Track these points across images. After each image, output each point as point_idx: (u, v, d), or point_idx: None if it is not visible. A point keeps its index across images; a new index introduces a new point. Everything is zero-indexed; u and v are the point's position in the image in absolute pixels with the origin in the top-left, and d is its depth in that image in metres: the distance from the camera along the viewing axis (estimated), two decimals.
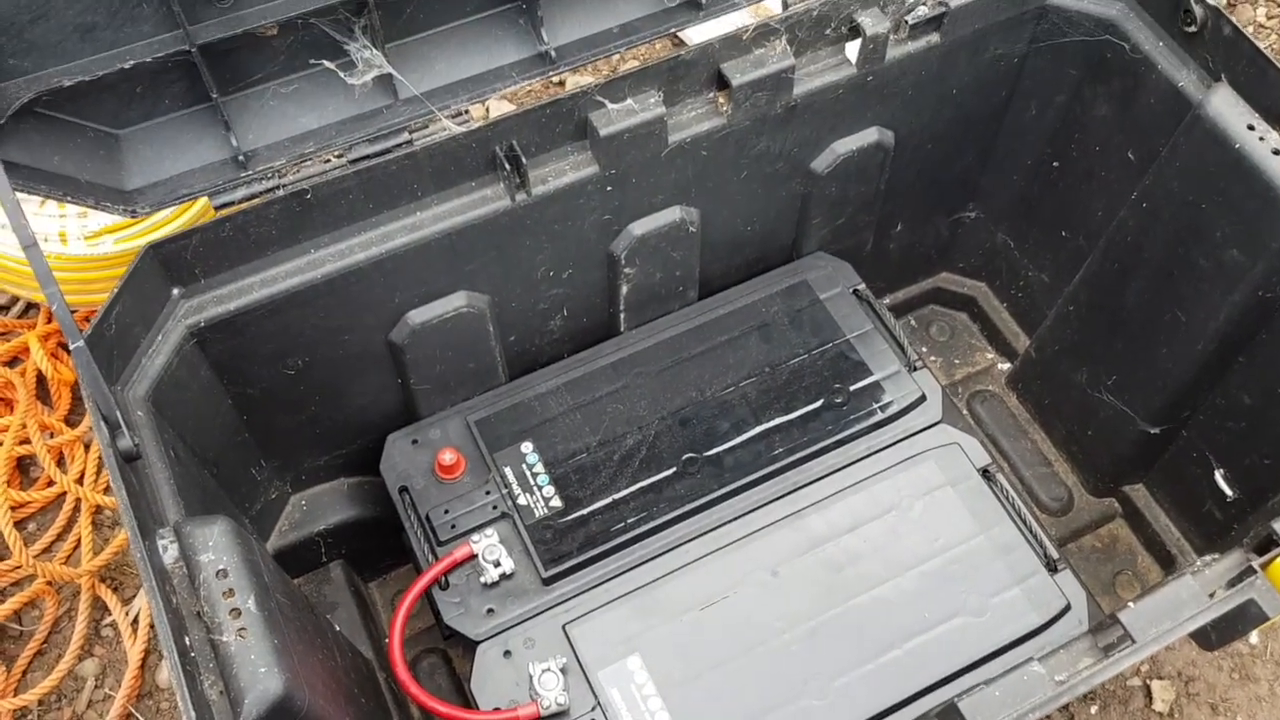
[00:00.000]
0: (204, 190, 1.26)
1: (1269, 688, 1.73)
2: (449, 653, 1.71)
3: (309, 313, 1.38)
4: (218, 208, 1.27)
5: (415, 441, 1.60)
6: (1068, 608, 1.46)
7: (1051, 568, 1.48)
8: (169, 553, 1.10)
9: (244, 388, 1.42)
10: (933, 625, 1.43)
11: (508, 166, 1.36)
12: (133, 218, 1.24)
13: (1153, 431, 1.67)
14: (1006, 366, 1.98)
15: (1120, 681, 1.73)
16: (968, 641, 1.42)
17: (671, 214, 1.54)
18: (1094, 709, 1.71)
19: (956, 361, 2.01)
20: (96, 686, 1.76)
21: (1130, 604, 1.05)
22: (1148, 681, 1.73)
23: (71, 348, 1.10)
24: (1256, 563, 1.04)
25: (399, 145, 1.32)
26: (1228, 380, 1.54)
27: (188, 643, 1.05)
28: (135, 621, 1.79)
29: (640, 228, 1.53)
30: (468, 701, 1.64)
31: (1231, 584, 1.06)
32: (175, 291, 1.30)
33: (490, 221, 1.40)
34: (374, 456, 1.61)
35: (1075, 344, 1.76)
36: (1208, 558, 1.25)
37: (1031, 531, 1.51)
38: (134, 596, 1.83)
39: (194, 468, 1.33)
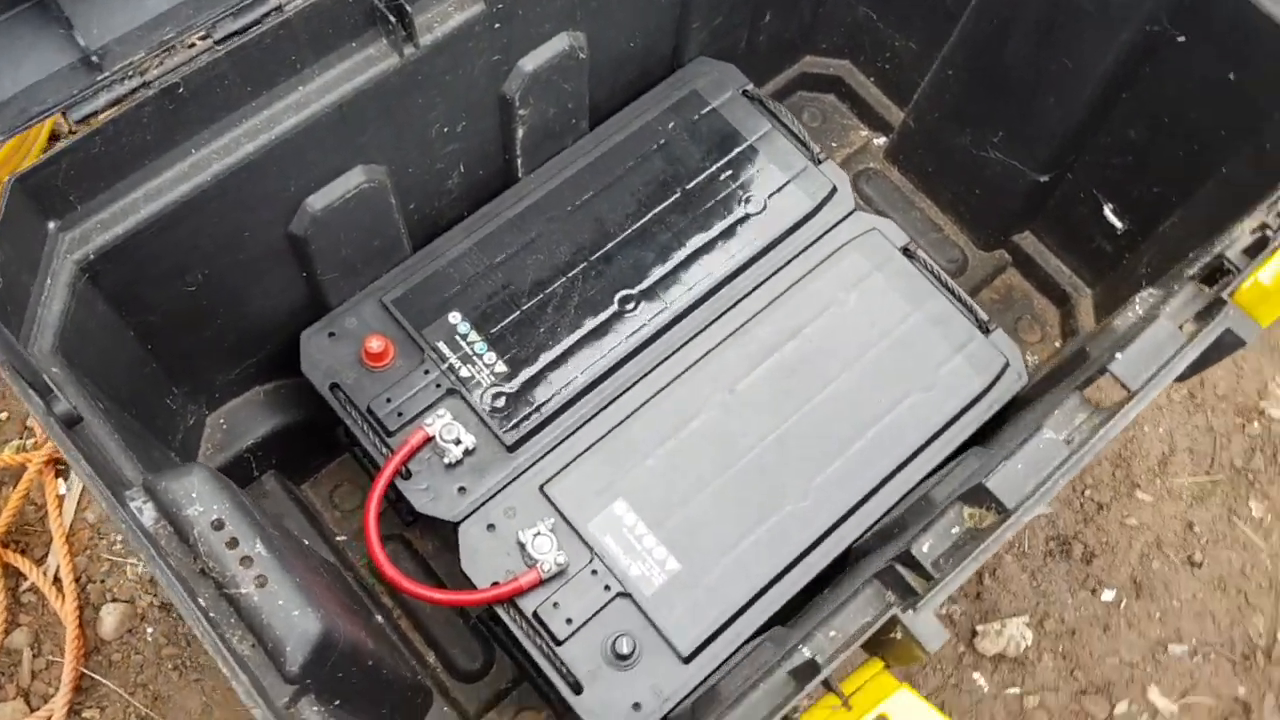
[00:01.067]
0: (60, 104, 1.09)
1: (1165, 396, 1.88)
2: (406, 536, 1.66)
3: (202, 220, 1.24)
4: (78, 121, 1.10)
5: (332, 334, 1.49)
6: (1007, 364, 1.53)
7: (984, 329, 1.55)
8: (145, 514, 1.01)
9: (144, 315, 1.28)
10: (890, 408, 1.48)
11: (391, 19, 1.23)
12: None
13: (1041, 180, 1.73)
14: (883, 141, 2.00)
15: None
16: (925, 416, 1.48)
17: (560, 42, 1.44)
18: None
19: (834, 145, 2.01)
20: (35, 655, 1.64)
21: (1119, 356, 1.10)
22: None
23: None
24: (1225, 293, 1.09)
25: (268, 14, 1.16)
26: (1113, 119, 1.59)
27: (203, 603, 0.97)
28: (57, 579, 1.66)
29: (530, 62, 1.43)
30: (440, 583, 1.62)
31: (1201, 317, 1.12)
32: (52, 225, 1.13)
33: (379, 84, 1.27)
34: (286, 359, 1.50)
35: (956, 108, 1.78)
36: (1146, 293, 1.32)
37: (960, 299, 1.56)
38: (45, 555, 1.69)
39: (118, 414, 1.20)
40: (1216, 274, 1.18)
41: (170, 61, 1.14)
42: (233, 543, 1.00)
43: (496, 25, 1.33)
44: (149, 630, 1.65)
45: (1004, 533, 1.00)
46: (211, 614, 0.98)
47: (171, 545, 1.00)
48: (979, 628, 1.70)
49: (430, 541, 1.66)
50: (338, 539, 1.66)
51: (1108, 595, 1.73)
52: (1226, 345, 1.10)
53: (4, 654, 1.63)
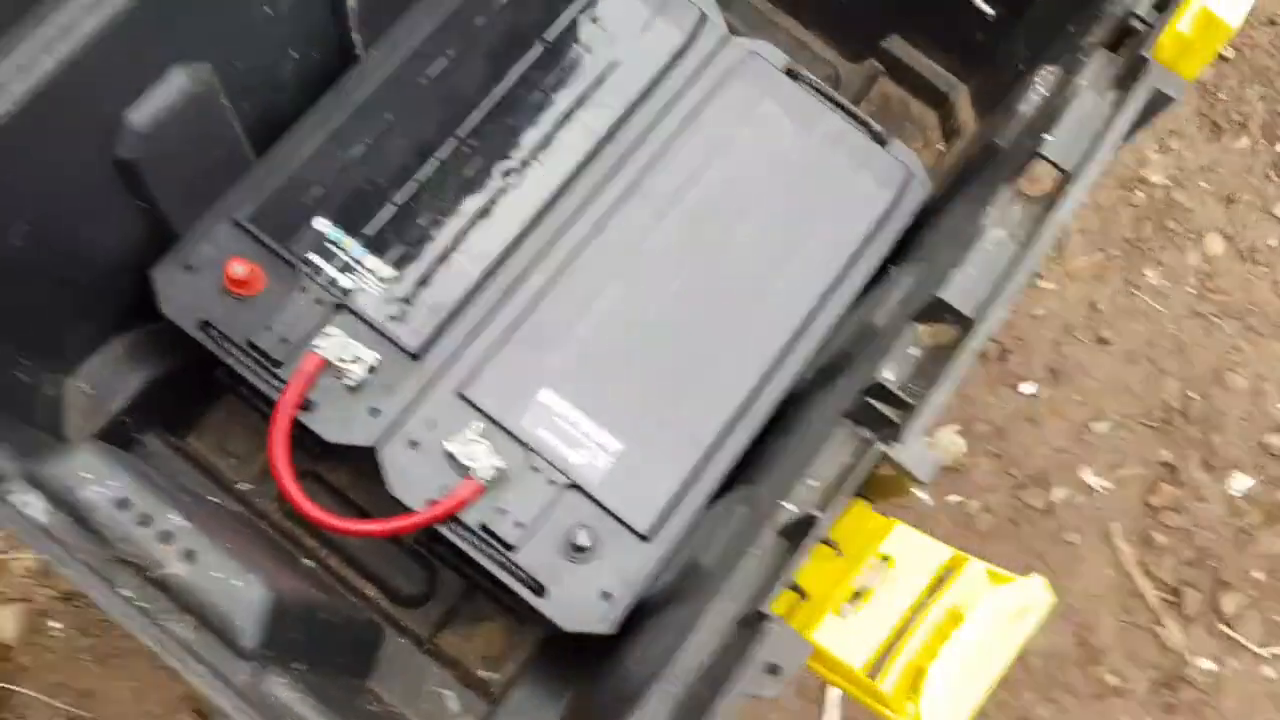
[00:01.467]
0: None
1: None
2: (316, 470, 1.53)
3: (12, 159, 1.05)
4: None
5: (189, 266, 1.32)
6: (910, 174, 1.48)
7: (880, 141, 1.49)
8: (34, 507, 0.87)
9: None
10: (804, 239, 1.42)
11: None
12: None
13: None
14: None
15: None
16: (839, 240, 1.42)
17: None
18: None
19: None
20: None
21: (1047, 137, 1.05)
22: None
23: None
24: (1144, 50, 1.04)
25: None
26: None
27: (127, 595, 0.85)
28: None
29: None
30: (363, 514, 1.51)
31: (1122, 82, 1.07)
32: None
33: None
34: (141, 302, 1.33)
35: None
36: (1045, 71, 1.27)
37: (851, 114, 1.49)
38: None
39: None
40: (1124, 37, 1.13)
41: None
42: (145, 520, 0.87)
43: None
44: (55, 625, 1.50)
45: (971, 341, 0.95)
46: (140, 604, 0.85)
47: (75, 537, 0.87)
48: None
49: (344, 474, 1.54)
50: (239, 487, 1.52)
51: (1028, 388, 1.75)
52: (1155, 105, 1.06)
53: None
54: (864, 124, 1.49)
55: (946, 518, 1.67)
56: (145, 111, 1.17)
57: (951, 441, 1.67)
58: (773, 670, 0.82)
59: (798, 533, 0.91)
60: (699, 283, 1.38)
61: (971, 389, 1.74)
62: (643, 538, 1.28)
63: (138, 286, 1.32)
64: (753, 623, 0.86)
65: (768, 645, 0.83)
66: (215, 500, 1.37)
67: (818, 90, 1.49)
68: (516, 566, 1.26)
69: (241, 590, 0.86)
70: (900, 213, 1.46)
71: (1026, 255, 0.99)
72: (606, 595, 1.25)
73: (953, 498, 1.68)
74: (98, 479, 0.87)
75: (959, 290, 1.00)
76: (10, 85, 1.01)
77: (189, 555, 0.86)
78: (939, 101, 1.84)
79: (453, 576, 1.52)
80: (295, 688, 0.90)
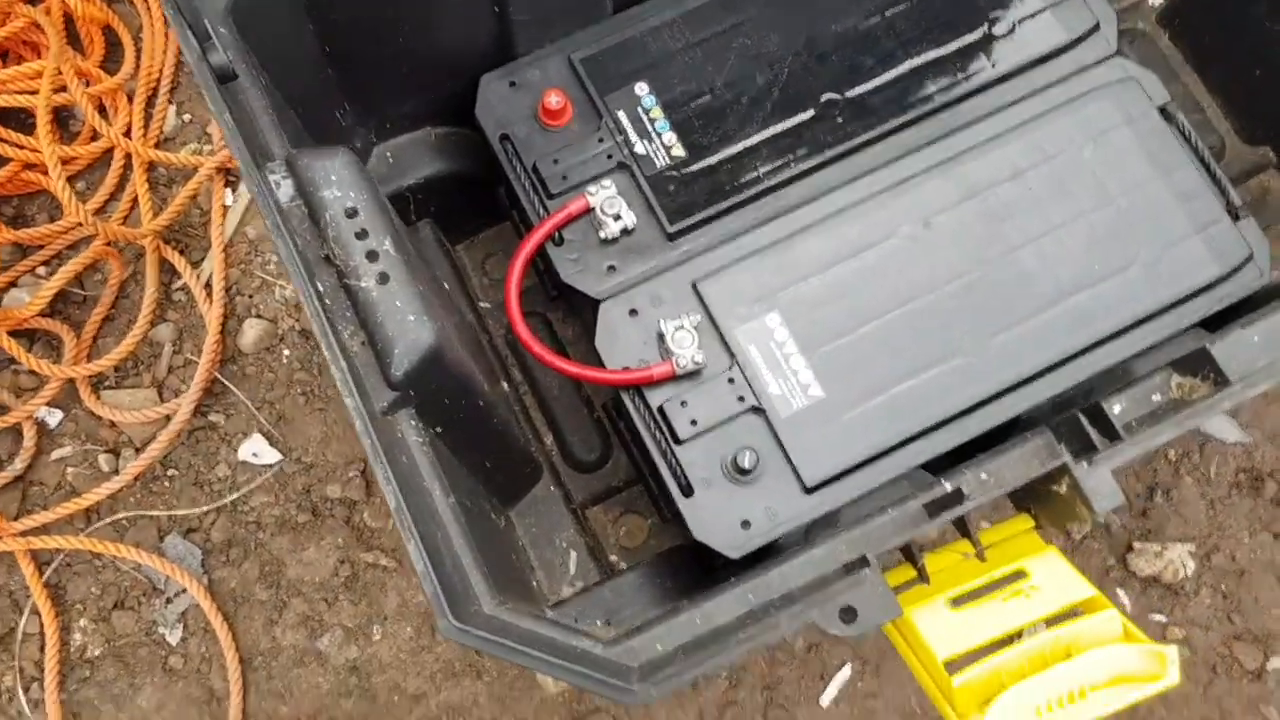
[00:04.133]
0: None
1: None
2: (548, 316, 1.59)
3: None
4: None
5: (513, 83, 1.40)
6: (1250, 257, 1.32)
7: (1234, 214, 1.34)
8: (283, 189, 0.95)
9: (328, 11, 1.21)
10: (1103, 278, 1.30)
11: None
12: None
13: None
14: (1158, 1, 1.74)
15: None
16: (1140, 294, 1.30)
17: None
18: None
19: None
20: (175, 351, 1.67)
21: None
22: None
23: None
24: None
25: None
26: None
27: (320, 288, 0.92)
28: (208, 285, 1.67)
29: None
30: None
31: None
32: None
33: None
34: (463, 104, 1.42)
35: None
36: None
37: (1214, 175, 1.35)
38: (202, 259, 1.70)
39: (283, 107, 1.15)
40: None
41: None
42: (363, 234, 0.93)
43: None
44: (285, 352, 1.66)
45: (1219, 402, 0.84)
46: (328, 301, 0.92)
47: (302, 226, 0.95)
48: (1137, 544, 1.53)
49: (571, 327, 1.59)
50: (481, 305, 1.61)
51: None
52: None
53: (147, 344, 1.66)
54: (1224, 192, 1.35)
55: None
56: None
57: (1181, 558, 1.50)
58: (848, 612, 0.78)
59: (939, 506, 0.85)
60: (974, 278, 1.31)
61: (1229, 518, 1.55)
62: (806, 489, 1.24)
63: (466, 88, 1.41)
64: (853, 567, 0.82)
65: (854, 589, 0.79)
66: (449, 292, 1.45)
67: (1187, 139, 1.36)
68: (676, 460, 1.25)
69: (412, 325, 0.91)
70: (1223, 292, 1.31)
71: None
72: (746, 524, 1.22)
73: (1158, 617, 1.51)
74: (340, 184, 0.94)
75: (1230, 347, 0.89)
76: None
77: (383, 278, 0.92)
78: None
79: (625, 464, 1.54)
80: (423, 438, 0.94)
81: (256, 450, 1.62)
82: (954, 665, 0.79)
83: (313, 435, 1.61)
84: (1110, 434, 0.87)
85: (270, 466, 1.62)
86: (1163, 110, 1.38)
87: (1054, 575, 0.82)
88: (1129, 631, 0.77)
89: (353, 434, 1.60)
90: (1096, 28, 1.40)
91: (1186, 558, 1.50)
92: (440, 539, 0.89)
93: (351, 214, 0.94)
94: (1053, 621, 0.79)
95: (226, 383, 1.63)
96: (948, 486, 0.88)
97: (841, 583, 0.79)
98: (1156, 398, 0.92)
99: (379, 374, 0.91)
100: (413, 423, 0.94)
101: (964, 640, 0.80)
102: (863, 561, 0.81)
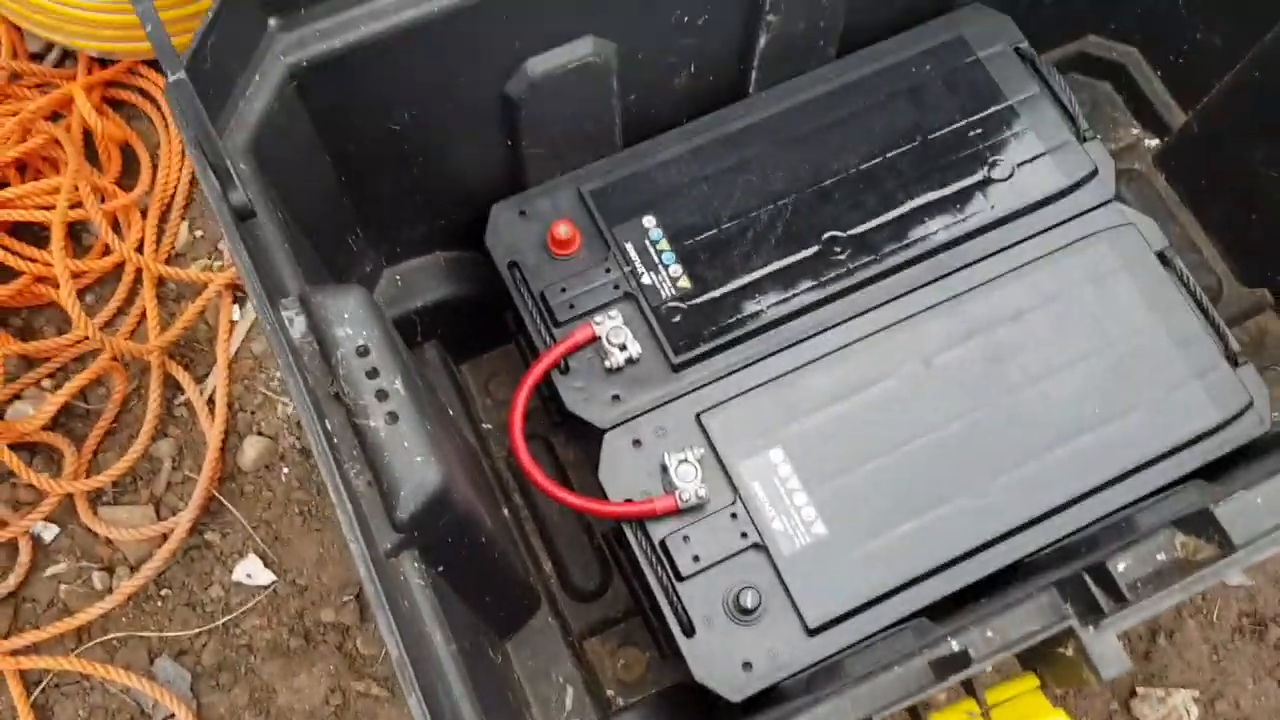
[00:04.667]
0: None
1: None
2: (550, 440, 1.60)
3: (420, 55, 1.18)
4: None
5: (523, 213, 1.43)
6: (1250, 404, 1.33)
7: (1233, 361, 1.35)
8: (296, 325, 0.96)
9: (344, 144, 1.25)
10: (1103, 421, 1.31)
11: None
12: None
13: None
14: (1155, 143, 1.79)
15: None
16: (1140, 439, 1.31)
17: None
18: None
19: (1106, 146, 1.81)
20: (174, 468, 1.66)
21: None
22: None
23: (170, 80, 0.92)
24: None
25: None
26: None
27: (329, 427, 0.92)
28: (211, 401, 1.67)
29: None
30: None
31: None
32: (273, 23, 1.10)
33: None
34: (474, 229, 1.44)
35: (1254, 116, 1.56)
36: None
37: (1213, 321, 1.37)
38: (206, 375, 1.71)
39: (298, 234, 1.17)
40: None
41: None
42: (373, 373, 0.94)
43: None
44: (285, 471, 1.65)
45: (1223, 568, 0.84)
46: (335, 440, 0.92)
47: (313, 364, 0.96)
48: (1140, 690, 1.51)
49: (573, 450, 1.59)
50: (483, 426, 1.62)
51: None
52: None
53: (147, 460, 1.66)
54: (1222, 338, 1.36)
55: None
56: (545, 63, 1.28)
57: (1185, 704, 1.47)
58: None
59: (946, 667, 0.84)
60: (975, 417, 1.31)
61: (1234, 665, 1.53)
62: (809, 630, 1.22)
63: (476, 216, 1.44)
64: None
65: None
66: (452, 417, 1.45)
67: (1185, 285, 1.38)
68: (678, 597, 1.24)
69: (419, 466, 0.91)
70: (1224, 438, 1.31)
71: None
72: (748, 666, 1.21)
73: None
74: (352, 322, 0.95)
75: (1235, 511, 0.89)
76: None
77: (392, 417, 0.92)
78: None
79: (625, 594, 1.52)
80: (425, 580, 0.93)
81: (251, 571, 1.60)
82: None
83: (308, 557, 1.60)
84: (1116, 595, 0.86)
85: (264, 588, 1.60)
86: (1161, 255, 1.40)
87: None
88: None
89: (348, 557, 1.58)
90: (1095, 173, 1.44)
91: (1190, 704, 1.48)
92: (441, 691, 0.87)
93: (363, 352, 0.95)
94: None
95: (224, 501, 1.62)
96: (955, 645, 0.87)
97: None
98: (1161, 557, 0.91)
99: (384, 515, 0.91)
100: (416, 565, 0.93)
101: None
102: None
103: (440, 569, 1.00)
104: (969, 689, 0.88)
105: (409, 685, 0.80)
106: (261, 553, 1.60)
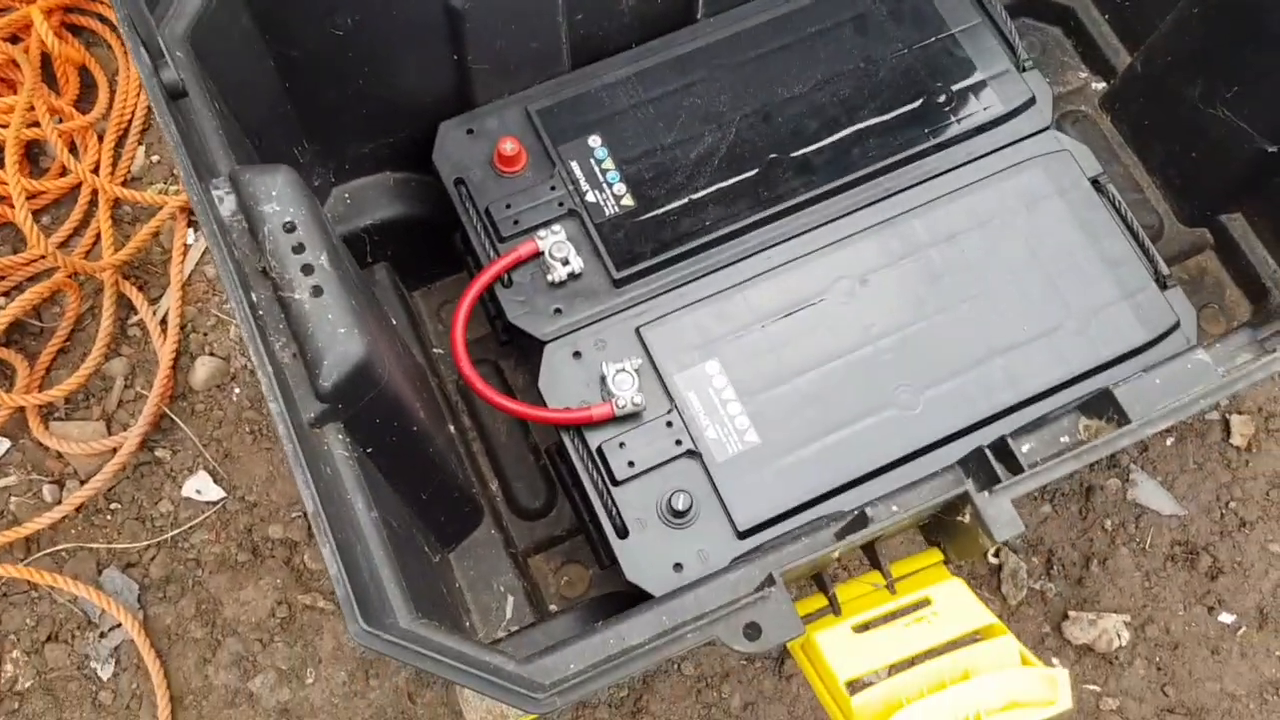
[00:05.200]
0: None
1: None
2: (500, 364, 1.62)
3: None
4: None
5: (471, 131, 1.45)
6: (1176, 324, 1.36)
7: (1161, 283, 1.38)
8: (225, 204, 0.98)
9: (287, 47, 1.26)
10: (1034, 337, 1.34)
11: None
12: None
13: (1270, 150, 1.53)
14: (1101, 86, 1.82)
15: (1198, 414, 1.67)
16: (1070, 355, 1.34)
17: None
18: (1169, 441, 1.66)
19: (1048, 80, 1.83)
20: (126, 386, 1.68)
21: None
22: (1226, 415, 1.67)
23: None
24: None
25: None
26: None
27: (254, 299, 0.94)
28: (164, 321, 1.69)
29: None
30: None
31: None
32: None
33: None
34: (423, 150, 1.46)
35: (1194, 52, 1.59)
36: None
37: (1142, 245, 1.40)
38: (160, 296, 1.72)
39: (237, 131, 1.18)
40: None
41: None
42: (299, 248, 0.96)
43: None
44: (236, 391, 1.67)
45: (1119, 439, 0.87)
46: (261, 313, 0.94)
47: (241, 240, 0.97)
48: (1072, 613, 1.54)
49: (522, 375, 1.61)
50: (434, 351, 1.63)
51: (1226, 618, 1.55)
52: None
53: (99, 378, 1.67)
54: (1152, 261, 1.39)
55: (1075, 700, 1.50)
56: None
57: (1116, 628, 1.51)
58: (753, 629, 0.79)
59: (847, 530, 0.86)
60: (909, 334, 1.34)
61: (1165, 592, 1.56)
62: (738, 533, 1.25)
63: (425, 134, 1.45)
64: (762, 585, 0.83)
65: (760, 607, 0.80)
66: (397, 329, 1.47)
67: (1116, 209, 1.41)
68: (613, 500, 1.27)
69: (343, 337, 0.93)
70: (1148, 358, 1.34)
71: (1221, 385, 0.90)
72: (678, 566, 1.23)
73: (1091, 686, 1.51)
74: (280, 199, 0.97)
75: (1134, 392, 0.92)
76: None
77: (316, 290, 0.94)
78: (1258, 295, 1.68)
79: (569, 513, 1.55)
80: (350, 453, 0.95)
81: (201, 487, 1.62)
82: (855, 686, 0.79)
83: (258, 474, 1.62)
84: (1015, 469, 0.89)
85: (214, 504, 1.61)
86: (1094, 181, 1.43)
87: (956, 603, 0.83)
88: (1024, 657, 0.78)
89: None
90: (1032, 101, 1.46)
91: (1121, 628, 1.51)
92: (360, 551, 0.89)
93: (289, 228, 0.96)
94: (952, 646, 0.81)
95: (175, 419, 1.64)
96: (855, 512, 0.90)
97: (748, 601, 0.80)
98: (1065, 439, 0.94)
99: (309, 386, 0.93)
100: (340, 437, 0.95)
101: (866, 662, 0.81)
102: (769, 580, 0.82)
103: (369, 450, 1.02)
104: (873, 560, 0.91)
105: (323, 536, 0.82)
106: (212, 469, 1.62)
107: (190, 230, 1.74)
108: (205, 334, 1.69)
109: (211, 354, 1.68)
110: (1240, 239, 1.69)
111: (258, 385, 1.66)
